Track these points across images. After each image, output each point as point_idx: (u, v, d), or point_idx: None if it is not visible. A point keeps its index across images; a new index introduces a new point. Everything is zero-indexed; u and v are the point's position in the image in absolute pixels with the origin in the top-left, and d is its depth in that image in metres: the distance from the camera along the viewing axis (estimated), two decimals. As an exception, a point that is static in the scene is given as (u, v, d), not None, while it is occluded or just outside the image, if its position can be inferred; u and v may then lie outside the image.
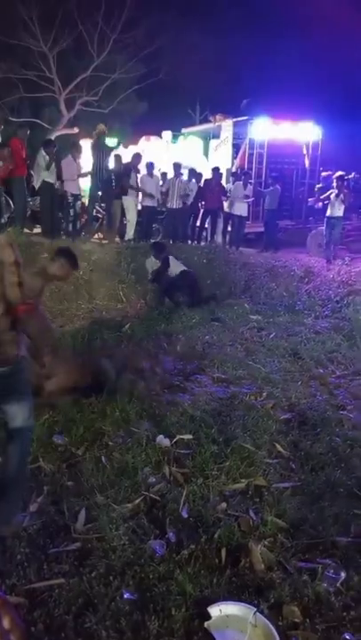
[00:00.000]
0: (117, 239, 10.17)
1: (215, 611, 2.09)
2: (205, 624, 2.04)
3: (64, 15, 16.38)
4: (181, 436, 3.73)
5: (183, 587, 2.25)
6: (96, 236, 10.28)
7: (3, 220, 8.64)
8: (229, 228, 11.65)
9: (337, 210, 10.26)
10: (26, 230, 8.81)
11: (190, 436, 3.76)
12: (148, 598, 2.16)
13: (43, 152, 8.65)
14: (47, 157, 8.57)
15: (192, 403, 4.48)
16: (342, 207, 10.31)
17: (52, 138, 15.22)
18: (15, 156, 8.39)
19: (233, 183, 11.58)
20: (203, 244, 11.32)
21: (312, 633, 2.07)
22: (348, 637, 2.06)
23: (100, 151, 9.46)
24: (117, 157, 9.77)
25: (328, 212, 10.37)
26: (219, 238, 11.47)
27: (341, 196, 10.25)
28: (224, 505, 2.95)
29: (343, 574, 2.42)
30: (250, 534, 2.70)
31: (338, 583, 2.37)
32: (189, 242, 11.06)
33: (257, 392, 4.82)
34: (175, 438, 3.72)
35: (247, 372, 5.46)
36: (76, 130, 16.45)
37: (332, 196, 10.35)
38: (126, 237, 10.06)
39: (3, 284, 2.35)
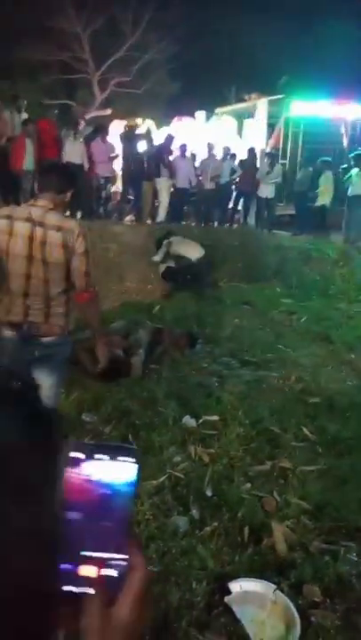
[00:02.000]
0: (149, 221, 10.17)
1: (236, 586, 2.13)
2: (226, 599, 2.08)
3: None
4: (207, 417, 3.77)
5: (205, 562, 2.30)
6: (128, 218, 10.30)
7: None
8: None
9: (358, 188, 9.96)
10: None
11: (217, 417, 3.79)
12: (171, 571, 2.22)
13: (70, 133, 8.68)
14: (71, 139, 8.60)
15: (220, 385, 4.50)
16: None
17: (85, 119, 15.33)
18: (44, 136, 8.45)
19: (267, 164, 11.37)
20: (235, 226, 11.20)
21: (331, 613, 2.09)
22: (368, 619, 2.07)
23: (130, 141, 9.45)
24: (149, 139, 9.73)
25: (349, 191, 10.09)
26: (252, 221, 11.31)
27: None
28: (248, 485, 2.97)
29: (366, 558, 2.41)
30: (273, 515, 2.72)
31: (360, 566, 2.37)
32: (222, 224, 10.96)
33: (286, 376, 4.80)
34: (201, 419, 3.75)
35: (276, 355, 5.43)
36: (108, 111, 16.43)
37: (354, 175, 10.05)
38: (158, 219, 10.05)
39: (70, 269, 2.48)
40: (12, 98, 9.89)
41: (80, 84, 18.78)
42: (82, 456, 0.49)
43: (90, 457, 0.49)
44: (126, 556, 0.48)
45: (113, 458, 0.49)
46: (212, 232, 9.85)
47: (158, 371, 4.82)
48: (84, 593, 0.46)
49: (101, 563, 0.47)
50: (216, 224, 10.84)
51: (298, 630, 1.96)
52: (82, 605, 0.45)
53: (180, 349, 5.29)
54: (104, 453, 0.49)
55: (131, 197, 10.13)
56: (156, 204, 10.14)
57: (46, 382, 2.51)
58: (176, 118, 14.05)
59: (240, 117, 13.84)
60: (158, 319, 6.59)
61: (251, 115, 13.45)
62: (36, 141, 8.60)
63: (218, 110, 14.75)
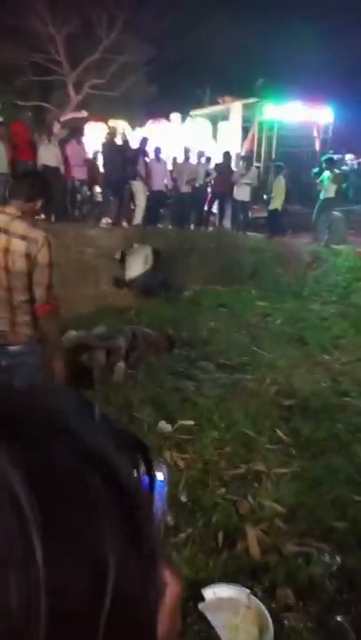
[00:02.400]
0: (125, 224, 10.15)
1: (209, 593, 2.14)
2: (199, 606, 2.08)
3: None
4: (183, 422, 3.77)
5: (179, 569, 2.29)
6: (104, 220, 10.27)
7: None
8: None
9: (329, 192, 10.15)
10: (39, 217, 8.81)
11: (192, 422, 3.79)
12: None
13: (44, 136, 8.61)
14: (45, 141, 8.53)
15: (195, 389, 4.51)
16: (334, 188, 10.17)
17: (60, 121, 15.20)
18: (18, 139, 8.36)
19: (243, 167, 11.46)
20: (211, 229, 11.27)
21: (304, 615, 2.11)
22: (339, 619, 2.10)
23: (110, 146, 9.42)
24: (125, 142, 9.72)
25: (321, 195, 10.27)
26: (227, 223, 11.40)
27: (332, 177, 10.13)
28: (223, 490, 2.98)
29: (338, 559, 2.45)
30: (247, 518, 2.74)
31: (333, 568, 2.40)
32: (198, 226, 11.00)
33: (260, 378, 4.83)
34: (177, 424, 3.76)
35: (252, 358, 5.47)
36: (84, 113, 16.35)
37: (325, 178, 10.23)
38: (134, 222, 10.04)
39: (32, 279, 2.43)
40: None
41: (55, 86, 18.64)
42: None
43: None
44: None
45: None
46: (187, 235, 9.89)
47: (134, 375, 4.81)
48: None
49: None
50: (192, 226, 10.89)
51: (271, 634, 1.97)
52: None
53: (156, 353, 5.29)
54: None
55: (110, 200, 10.09)
56: (133, 207, 10.14)
57: None
58: (151, 120, 14.06)
59: (215, 120, 13.94)
60: (135, 323, 6.59)
61: (225, 117, 13.57)
62: (10, 144, 8.51)
63: (192, 113, 14.84)
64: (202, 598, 2.12)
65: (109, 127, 10.59)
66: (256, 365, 5.24)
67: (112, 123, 13.14)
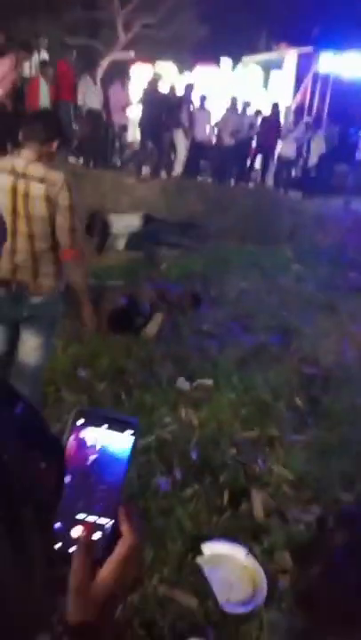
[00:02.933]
0: (164, 175, 9.94)
1: (209, 548, 2.21)
2: (198, 560, 2.16)
3: None
4: (201, 381, 3.80)
5: (182, 523, 2.37)
6: (144, 170, 10.07)
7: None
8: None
9: None
10: (72, 161, 8.73)
11: (210, 382, 3.82)
12: (147, 529, 2.30)
13: (88, 77, 8.36)
14: (91, 83, 8.30)
15: (218, 349, 4.52)
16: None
17: (107, 62, 14.75)
18: (61, 78, 8.18)
19: (292, 122, 10.97)
20: (252, 185, 10.94)
21: (298, 579, 2.17)
22: (332, 584, 2.15)
23: (154, 91, 9.07)
24: (171, 88, 9.34)
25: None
26: (270, 180, 11.02)
27: None
28: (234, 451, 3.03)
29: (338, 529, 2.48)
30: (254, 481, 2.79)
31: (334, 538, 2.44)
32: (238, 182, 10.68)
33: (285, 344, 4.79)
34: (195, 382, 3.79)
35: (279, 322, 5.41)
36: (131, 54, 15.76)
37: None
38: (173, 173, 9.82)
39: (54, 225, 2.40)
40: (33, 35, 9.54)
41: (104, 24, 17.92)
42: (84, 423, 0.54)
43: (91, 424, 0.54)
44: (115, 522, 0.53)
45: (113, 427, 0.54)
46: (226, 190, 9.64)
47: (158, 331, 4.84)
48: (74, 552, 0.52)
49: (91, 526, 0.53)
50: (233, 182, 10.57)
51: (264, 594, 2.04)
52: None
53: (182, 310, 5.28)
54: (105, 422, 0.54)
55: (149, 149, 9.85)
56: (173, 158, 9.88)
57: (33, 343, 2.52)
58: (199, 64, 13.42)
59: (267, 68, 13.26)
60: (164, 277, 6.57)
61: (279, 66, 12.88)
62: (53, 84, 8.33)
63: (245, 59, 14.11)
64: (201, 553, 2.20)
65: (155, 72, 10.16)
66: (283, 330, 5.19)
67: (159, 65, 12.65)
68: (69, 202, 2.38)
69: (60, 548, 0.53)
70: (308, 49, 12.17)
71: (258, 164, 11.13)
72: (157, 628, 1.83)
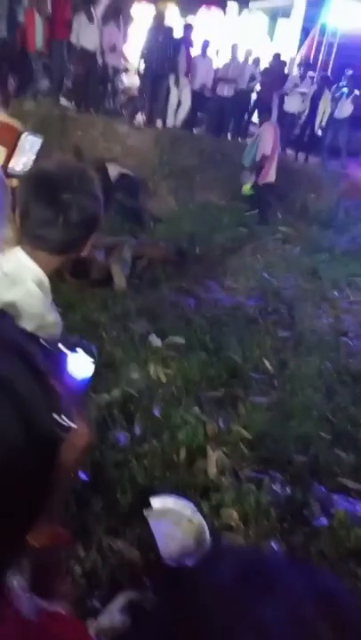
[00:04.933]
0: (159, 124, 9.59)
1: (157, 502, 2.27)
2: (144, 512, 2.23)
3: None
4: (173, 339, 3.81)
5: (134, 476, 2.43)
6: (138, 117, 9.70)
7: (40, 88, 8.20)
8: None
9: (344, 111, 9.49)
10: (64, 103, 8.38)
11: (182, 340, 3.83)
12: (100, 480, 2.35)
13: (83, 14, 7.89)
14: (86, 20, 7.84)
15: (194, 307, 4.51)
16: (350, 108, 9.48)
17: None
18: (56, 14, 7.73)
19: (298, 75, 10.50)
20: (249, 140, 10.61)
21: (240, 536, 2.25)
22: (273, 545, 2.23)
23: (158, 30, 8.55)
24: (167, 30, 8.82)
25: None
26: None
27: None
28: (196, 409, 3.07)
29: (288, 489, 2.56)
30: (212, 440, 2.84)
31: (281, 497, 2.52)
32: (236, 137, 10.34)
33: (262, 306, 4.80)
34: (167, 339, 3.80)
35: (260, 284, 5.40)
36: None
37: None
38: (168, 123, 9.47)
39: None
40: None
41: None
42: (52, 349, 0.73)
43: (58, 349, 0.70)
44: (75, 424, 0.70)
45: (74, 350, 0.71)
46: (222, 144, 9.37)
47: (138, 285, 4.81)
48: None
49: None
50: (229, 136, 10.24)
51: (206, 548, 2.12)
52: None
53: (164, 265, 5.24)
54: (67, 347, 0.70)
55: (145, 95, 9.42)
56: (168, 106, 9.48)
57: None
58: (204, 6, 12.71)
59: (274, 16, 12.63)
60: (150, 233, 6.48)
61: (286, 14, 12.27)
62: (47, 20, 7.88)
63: (251, 4, 13.40)
64: (149, 505, 2.26)
65: (157, 10, 9.60)
66: (262, 292, 5.18)
67: (161, 5, 11.98)
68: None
69: None
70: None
71: (256, 118, 10.75)
72: (96, 577, 1.90)
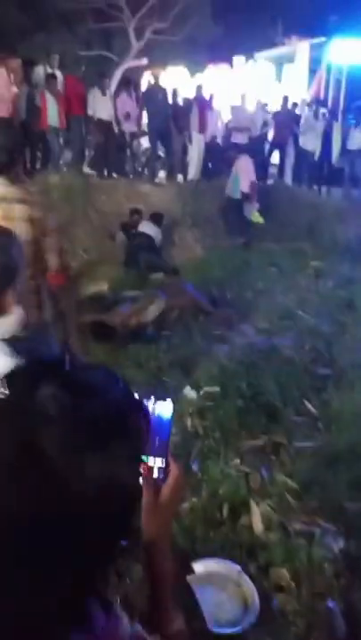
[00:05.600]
0: (180, 178, 9.89)
1: (199, 567, 2.15)
2: (187, 578, 2.11)
3: None
4: (208, 389, 3.74)
5: (174, 537, 2.32)
6: (160, 175, 10.04)
7: (63, 161, 8.67)
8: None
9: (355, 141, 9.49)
10: (87, 171, 8.81)
11: (217, 389, 3.75)
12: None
13: (96, 89, 8.44)
14: (100, 94, 8.37)
15: (229, 353, 4.44)
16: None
17: (121, 71, 14.84)
18: (70, 93, 8.29)
19: (312, 114, 10.71)
20: (270, 182, 10.75)
21: (294, 598, 2.08)
22: (330, 605, 2.05)
23: (155, 94, 9.06)
24: (177, 92, 9.29)
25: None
26: (288, 175, 10.82)
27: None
28: (237, 461, 2.95)
29: (342, 542, 2.38)
30: (256, 492, 2.71)
31: (335, 550, 2.34)
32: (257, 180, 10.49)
33: (299, 345, 4.67)
34: (202, 390, 3.73)
35: (294, 322, 5.29)
36: (144, 61, 15.84)
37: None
38: (189, 177, 9.77)
39: (37, 247, 2.38)
40: (45, 51, 9.71)
41: (116, 34, 18.07)
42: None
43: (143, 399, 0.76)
44: (168, 463, 0.77)
45: (156, 400, 0.80)
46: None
47: (170, 337, 4.81)
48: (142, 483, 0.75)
49: (150, 467, 0.76)
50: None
51: (255, 614, 1.97)
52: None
53: (194, 314, 5.23)
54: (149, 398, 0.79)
55: (161, 154, 9.83)
56: (187, 160, 9.83)
57: None
58: (211, 64, 13.34)
59: (280, 62, 13.05)
60: (179, 280, 6.54)
61: (291, 60, 12.66)
62: (64, 97, 8.43)
63: (257, 55, 13.94)
64: (192, 571, 2.14)
65: (153, 70, 10.11)
66: (297, 330, 5.06)
67: (171, 69, 12.66)
68: (56, 224, 2.37)
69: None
70: (319, 39, 11.90)
71: (275, 158, 10.94)
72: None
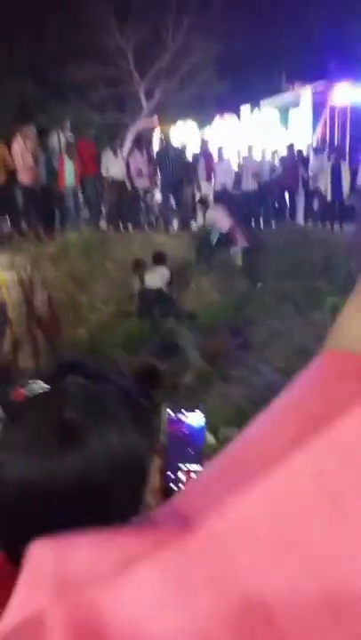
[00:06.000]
0: (194, 226, 10.17)
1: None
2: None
3: (138, 5, 16.57)
4: (226, 431, 3.75)
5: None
6: (175, 226, 10.35)
7: (80, 219, 9.08)
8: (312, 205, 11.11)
9: None
10: (103, 227, 9.19)
11: (236, 430, 3.75)
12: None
13: (109, 150, 8.95)
14: (112, 155, 8.87)
15: (246, 394, 4.46)
16: None
17: (133, 131, 15.61)
18: (83, 155, 8.78)
19: (320, 157, 11.02)
20: (283, 224, 10.95)
21: None
22: None
23: (168, 151, 9.57)
24: (182, 147, 9.84)
25: None
26: (299, 217, 11.03)
27: None
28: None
29: None
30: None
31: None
32: (267, 224, 10.72)
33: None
34: (220, 434, 3.74)
35: (313, 359, 5.27)
36: (155, 121, 16.63)
37: None
38: (200, 225, 10.03)
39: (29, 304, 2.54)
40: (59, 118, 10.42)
41: (127, 97, 19.14)
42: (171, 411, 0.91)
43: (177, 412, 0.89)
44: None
45: (188, 411, 0.89)
46: (255, 233, 9.73)
47: (188, 382, 4.86)
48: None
49: (189, 472, 0.85)
50: (262, 224, 10.65)
51: None
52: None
53: (210, 359, 5.30)
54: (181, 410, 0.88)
55: (173, 206, 10.19)
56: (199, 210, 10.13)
57: None
58: (218, 116, 13.93)
59: (285, 108, 13.55)
60: (200, 323, 6.64)
61: (296, 105, 13.14)
62: (78, 159, 8.94)
63: (262, 102, 14.50)
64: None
65: (164, 134, 10.67)
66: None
67: (180, 124, 13.26)
68: (42, 278, 2.51)
69: (170, 487, 0.87)
70: (322, 83, 12.37)
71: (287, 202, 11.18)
72: None
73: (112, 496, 0.59)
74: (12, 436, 0.60)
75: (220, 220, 8.73)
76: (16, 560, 0.53)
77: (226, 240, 8.73)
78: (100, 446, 0.58)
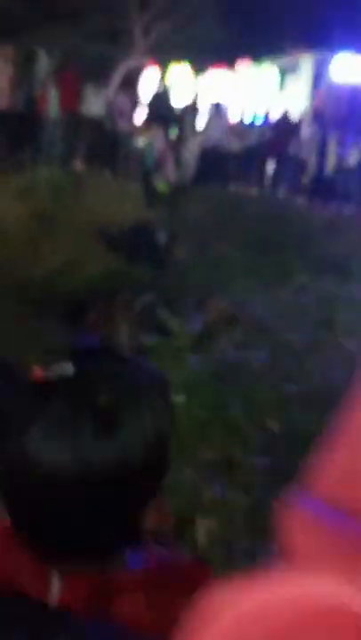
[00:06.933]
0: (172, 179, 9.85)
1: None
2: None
3: None
4: (174, 397, 3.74)
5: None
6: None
7: (54, 155, 8.66)
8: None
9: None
10: (78, 167, 8.79)
11: (183, 399, 3.75)
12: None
13: (92, 85, 8.45)
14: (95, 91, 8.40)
15: (200, 365, 4.44)
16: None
17: (122, 69, 14.82)
18: (66, 88, 8.31)
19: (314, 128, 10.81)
20: (263, 191, 10.77)
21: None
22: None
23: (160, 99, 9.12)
24: (177, 95, 9.36)
25: None
26: (281, 186, 10.86)
27: None
28: (189, 474, 2.95)
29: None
30: (205, 507, 2.71)
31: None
32: (248, 189, 10.51)
33: (272, 360, 4.68)
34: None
35: (271, 337, 5.29)
36: (149, 61, 15.81)
37: None
38: (179, 180, 9.74)
39: None
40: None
41: (123, 30, 18.05)
42: None
43: None
44: None
45: None
46: (232, 198, 9.55)
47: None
48: None
49: None
50: (241, 188, 10.43)
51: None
52: None
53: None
54: None
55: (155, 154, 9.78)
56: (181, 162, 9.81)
57: None
58: (214, 66, 13.34)
59: (283, 72, 13.12)
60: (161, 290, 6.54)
61: (295, 70, 12.72)
62: (62, 90, 8.42)
63: (261, 61, 13.95)
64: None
65: (162, 75, 10.13)
66: (273, 345, 5.07)
67: (173, 67, 12.68)
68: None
69: None
70: (324, 53, 11.96)
71: (270, 170, 10.96)
72: None
73: (143, 482, 0.60)
74: (42, 419, 0.59)
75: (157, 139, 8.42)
76: (20, 530, 0.60)
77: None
78: (136, 432, 0.59)
